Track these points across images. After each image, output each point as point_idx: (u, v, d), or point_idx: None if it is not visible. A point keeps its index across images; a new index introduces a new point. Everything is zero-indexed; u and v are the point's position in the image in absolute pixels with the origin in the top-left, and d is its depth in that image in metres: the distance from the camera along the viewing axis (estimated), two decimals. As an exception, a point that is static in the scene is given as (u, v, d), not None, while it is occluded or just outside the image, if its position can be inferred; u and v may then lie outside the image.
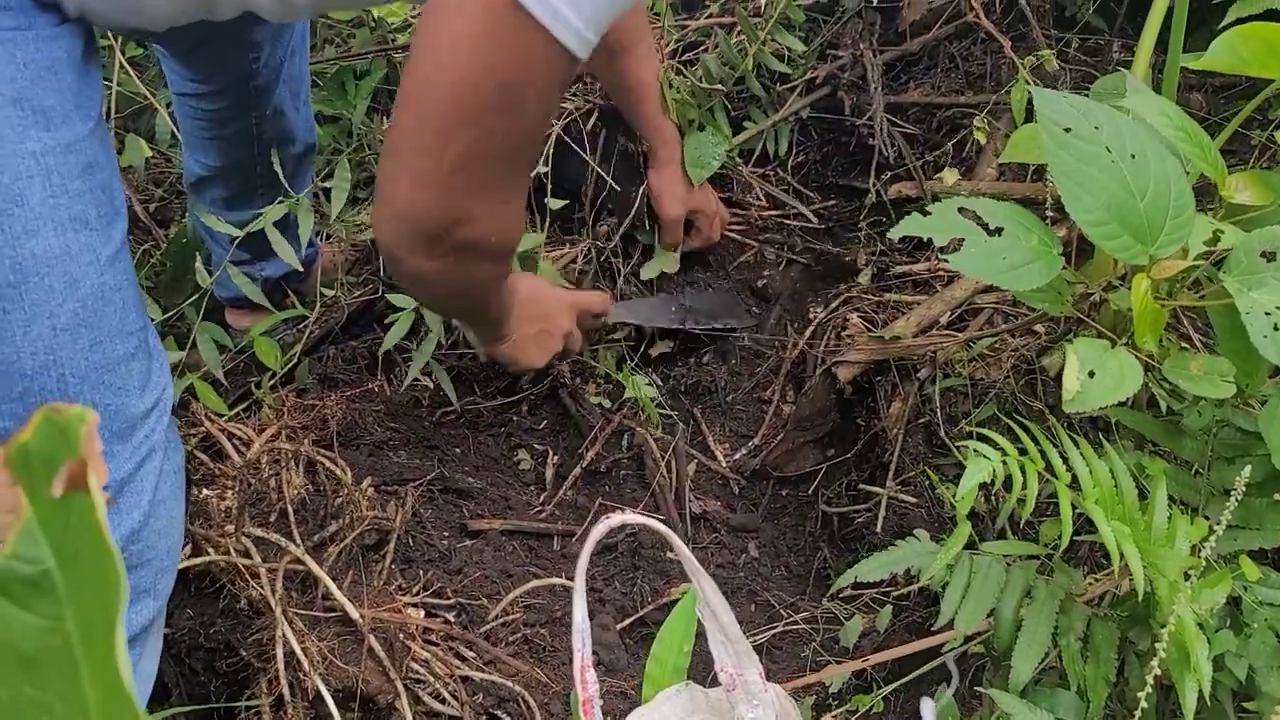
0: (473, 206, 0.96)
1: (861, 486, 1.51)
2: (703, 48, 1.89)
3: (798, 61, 1.87)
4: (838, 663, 1.30)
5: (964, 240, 0.91)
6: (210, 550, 1.06)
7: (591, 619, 1.37)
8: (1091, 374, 0.91)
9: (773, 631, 1.41)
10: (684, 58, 1.87)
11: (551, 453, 1.61)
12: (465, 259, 1.01)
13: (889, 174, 1.77)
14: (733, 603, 1.47)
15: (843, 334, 1.58)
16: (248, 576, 1.04)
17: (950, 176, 1.72)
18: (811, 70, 1.88)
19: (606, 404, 1.62)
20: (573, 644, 0.76)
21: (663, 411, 1.70)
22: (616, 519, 0.77)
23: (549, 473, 1.58)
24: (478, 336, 1.38)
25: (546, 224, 1.64)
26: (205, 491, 1.13)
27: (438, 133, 0.90)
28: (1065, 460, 0.97)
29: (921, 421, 1.47)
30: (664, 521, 1.56)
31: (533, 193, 1.60)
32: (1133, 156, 0.94)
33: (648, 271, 1.74)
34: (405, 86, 0.92)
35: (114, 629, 0.36)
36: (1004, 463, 0.90)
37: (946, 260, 0.90)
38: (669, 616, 1.09)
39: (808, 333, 1.72)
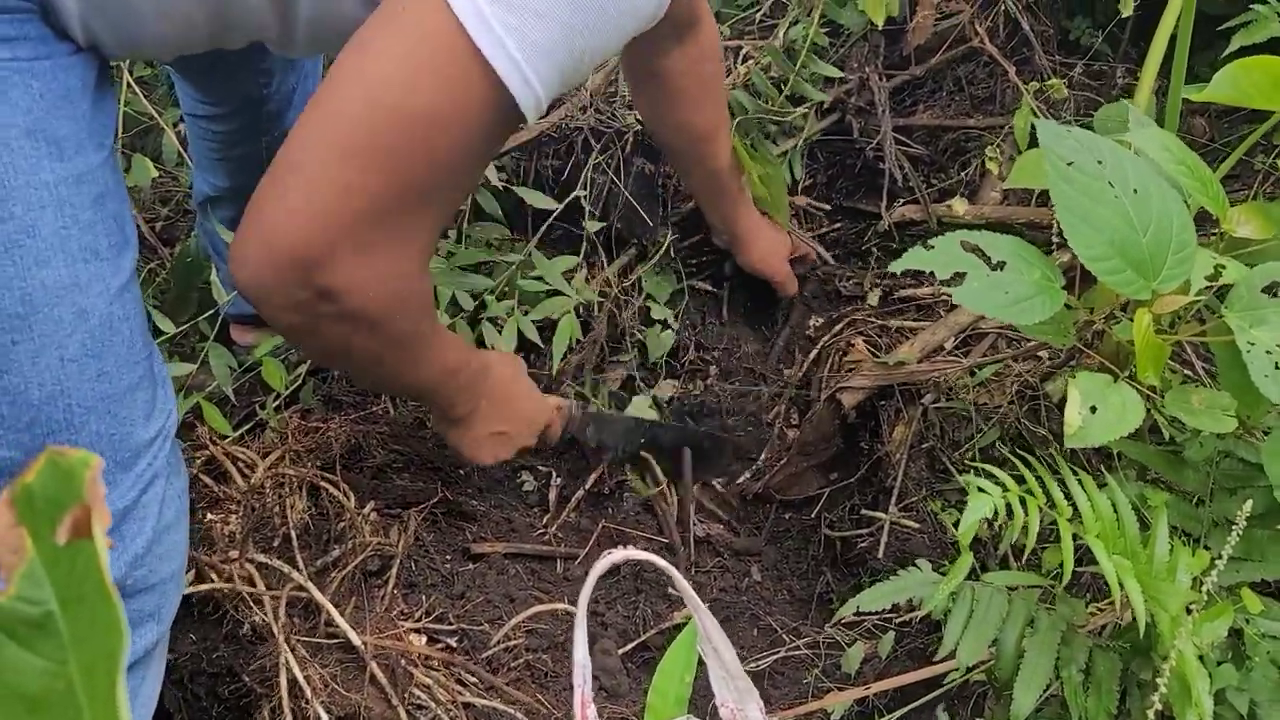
0: (346, 249, 0.84)
1: (864, 511, 1.51)
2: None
3: (805, 85, 1.87)
4: (839, 689, 1.30)
5: (966, 274, 0.92)
6: (214, 576, 1.06)
7: (593, 644, 1.37)
8: (1094, 409, 0.91)
9: (775, 657, 1.41)
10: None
11: (555, 475, 1.61)
12: (329, 318, 0.88)
13: (894, 198, 1.78)
14: (735, 627, 1.47)
15: (844, 359, 1.58)
16: (250, 603, 1.05)
17: (960, 206, 1.72)
18: (820, 93, 1.88)
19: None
20: (574, 680, 0.76)
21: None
22: (619, 555, 0.77)
23: (552, 495, 1.58)
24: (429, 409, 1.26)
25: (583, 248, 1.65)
26: (210, 516, 1.14)
27: (341, 156, 0.81)
28: (1067, 492, 0.97)
29: (925, 446, 1.47)
30: (667, 547, 1.57)
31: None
32: (1135, 191, 0.95)
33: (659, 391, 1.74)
34: (320, 100, 0.83)
35: (115, 674, 0.37)
36: (1004, 498, 0.90)
37: (949, 293, 0.91)
38: (670, 647, 1.09)
39: (811, 355, 1.72)
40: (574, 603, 1.42)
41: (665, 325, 1.72)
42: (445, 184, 0.87)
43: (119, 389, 0.91)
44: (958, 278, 0.92)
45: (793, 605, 1.52)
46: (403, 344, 0.98)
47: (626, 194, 1.70)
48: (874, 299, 1.72)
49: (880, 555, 1.43)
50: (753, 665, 1.40)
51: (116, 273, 0.92)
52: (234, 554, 1.07)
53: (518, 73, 0.80)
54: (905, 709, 1.24)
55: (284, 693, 0.98)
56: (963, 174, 1.81)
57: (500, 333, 1.55)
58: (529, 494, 1.60)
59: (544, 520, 1.55)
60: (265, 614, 1.04)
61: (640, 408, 1.66)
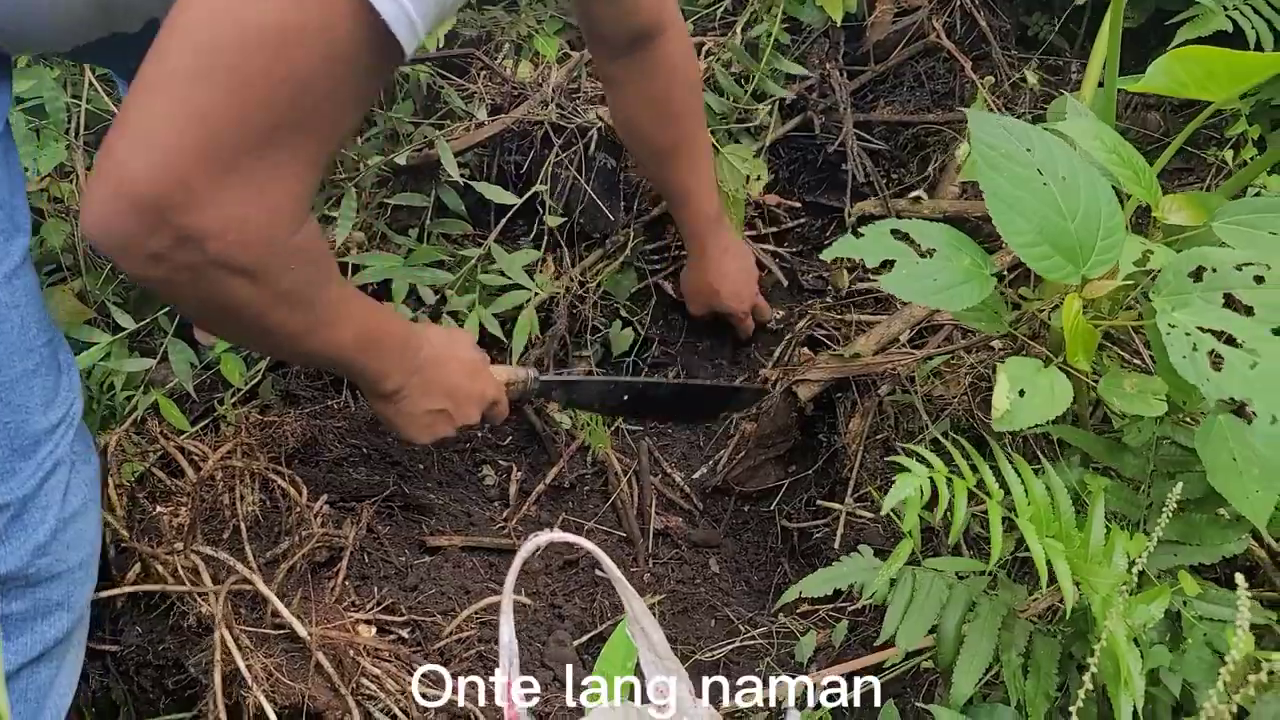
0: (201, 184, 0.75)
1: (821, 502, 1.52)
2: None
3: (767, 82, 1.89)
4: (791, 677, 1.31)
5: (895, 261, 0.93)
6: (159, 568, 1.07)
7: (549, 635, 1.38)
8: (1022, 393, 0.92)
9: (730, 647, 1.42)
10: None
11: (516, 469, 1.62)
12: (194, 269, 0.79)
13: (857, 193, 1.79)
14: (692, 618, 1.48)
15: (791, 356, 1.59)
16: (195, 594, 1.05)
17: (928, 201, 1.74)
18: (781, 89, 1.90)
19: (568, 424, 1.63)
20: (500, 661, 0.77)
21: (629, 427, 1.71)
22: (544, 537, 0.78)
23: (513, 489, 1.59)
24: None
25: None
26: (159, 508, 1.14)
27: (188, 79, 0.73)
28: (1000, 477, 0.98)
29: (879, 438, 1.48)
30: (626, 540, 1.57)
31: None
32: (1064, 179, 0.96)
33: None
34: (167, 22, 0.75)
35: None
36: (931, 477, 0.91)
37: (877, 281, 0.92)
38: (614, 633, 1.11)
39: (775, 352, 1.74)
40: (531, 595, 1.44)
41: (627, 322, 1.73)
42: (311, 111, 0.79)
43: (11, 376, 0.89)
44: (887, 265, 0.93)
45: (750, 596, 1.53)
46: (293, 303, 0.90)
47: (589, 190, 1.71)
48: (836, 291, 1.73)
49: (836, 546, 1.44)
50: (709, 655, 1.41)
51: (4, 259, 0.90)
52: (179, 546, 1.08)
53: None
54: (854, 694, 1.25)
55: (217, 683, 0.98)
56: (923, 169, 1.83)
57: (461, 327, 1.55)
58: (489, 488, 1.60)
59: (504, 514, 1.56)
60: (210, 605, 1.05)
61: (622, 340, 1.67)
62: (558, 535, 0.78)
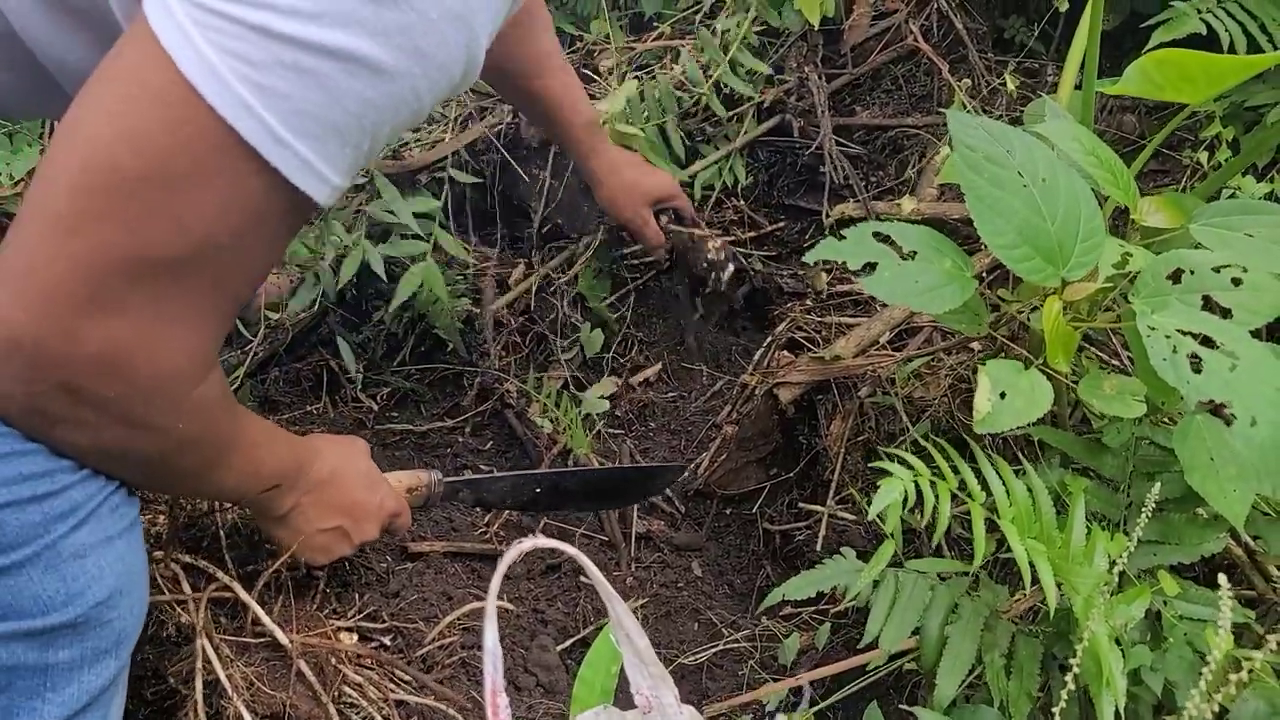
0: (85, 333, 0.70)
1: (803, 505, 1.52)
2: (651, 71, 1.92)
3: (745, 85, 1.89)
4: (775, 680, 1.31)
5: (877, 264, 0.93)
6: (137, 577, 1.05)
7: (532, 640, 1.38)
8: (1003, 395, 0.93)
9: (714, 650, 1.42)
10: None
11: (496, 473, 1.61)
12: (77, 417, 0.74)
13: (835, 196, 1.80)
14: (675, 622, 1.48)
15: (770, 358, 1.60)
16: (174, 603, 1.04)
17: (909, 204, 1.74)
18: (760, 94, 1.90)
19: (549, 427, 1.63)
20: (484, 668, 0.77)
21: (610, 430, 1.71)
22: (527, 544, 0.78)
23: (494, 494, 1.58)
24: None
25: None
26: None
27: (59, 227, 0.69)
28: (982, 479, 0.98)
29: (860, 439, 1.49)
30: (608, 544, 1.57)
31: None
32: (1044, 181, 0.97)
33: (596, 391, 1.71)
34: (40, 166, 0.72)
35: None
36: (915, 481, 0.91)
37: (860, 283, 0.92)
38: (597, 638, 1.10)
39: (756, 356, 1.74)
40: (514, 600, 1.43)
41: (598, 324, 1.73)
42: (205, 262, 0.73)
43: None
44: (869, 268, 0.93)
45: (733, 599, 1.53)
46: (183, 453, 0.84)
47: (560, 188, 1.71)
48: (815, 293, 1.73)
49: (818, 548, 1.44)
50: (692, 659, 1.41)
51: None
52: (159, 554, 1.06)
53: (268, 135, 0.69)
54: (837, 697, 1.25)
55: (198, 693, 0.97)
56: (902, 172, 1.84)
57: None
58: (471, 493, 1.60)
59: (486, 519, 1.55)
60: (190, 614, 1.03)
61: (593, 403, 1.66)
62: (541, 541, 0.77)
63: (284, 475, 0.99)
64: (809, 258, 0.95)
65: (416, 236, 1.53)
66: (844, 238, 0.94)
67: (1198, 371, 0.86)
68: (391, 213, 1.51)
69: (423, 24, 0.69)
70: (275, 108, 0.68)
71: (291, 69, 0.67)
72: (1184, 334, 0.88)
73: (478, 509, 1.56)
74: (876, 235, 0.95)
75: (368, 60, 0.69)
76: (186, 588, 1.06)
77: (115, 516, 0.83)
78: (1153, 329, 0.88)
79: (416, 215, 1.52)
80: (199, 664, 0.97)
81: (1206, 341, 0.88)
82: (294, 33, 0.67)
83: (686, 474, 1.66)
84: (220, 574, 1.07)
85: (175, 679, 1.04)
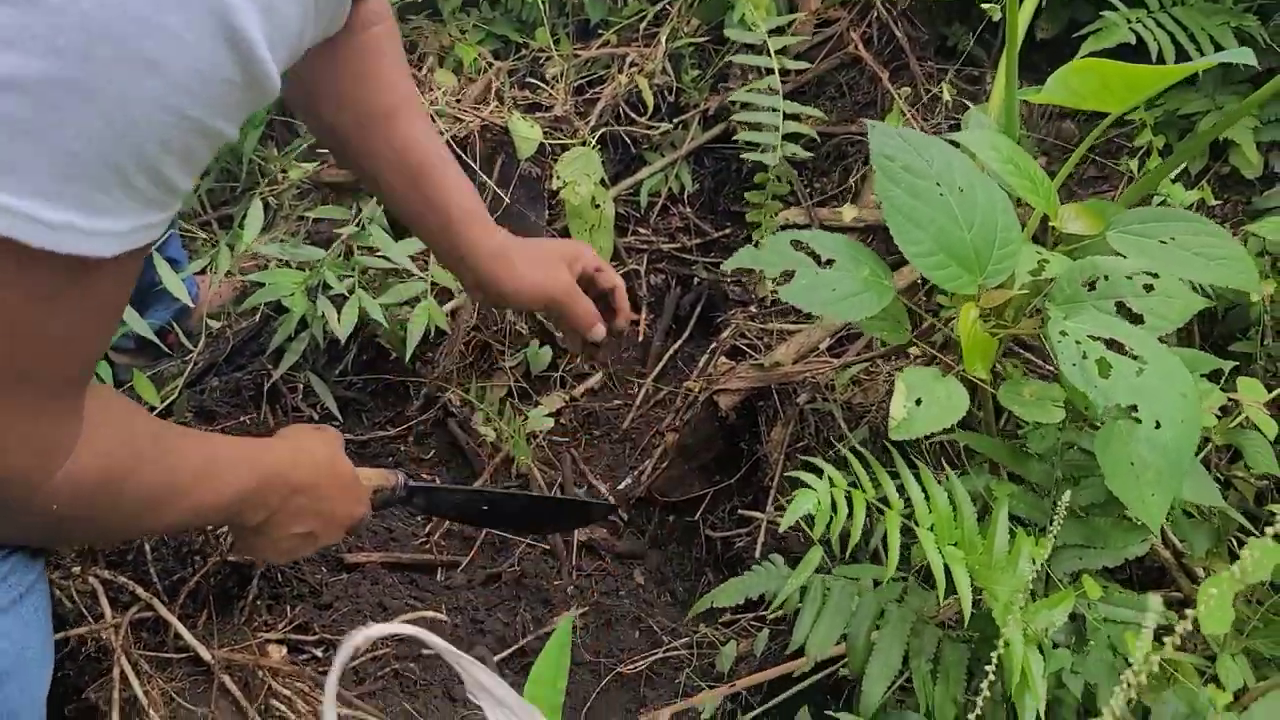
0: None
1: (743, 511, 1.52)
2: (600, 79, 1.92)
3: (691, 92, 1.90)
4: (711, 688, 1.31)
5: (795, 272, 0.93)
6: (54, 592, 1.04)
7: (470, 650, 1.37)
8: (919, 401, 0.93)
9: (654, 658, 1.42)
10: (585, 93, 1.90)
11: (439, 482, 1.60)
12: None
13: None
14: (616, 630, 1.48)
15: (712, 365, 1.60)
16: (93, 619, 1.03)
17: (850, 212, 1.75)
18: (704, 101, 1.91)
19: (493, 436, 1.62)
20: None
21: (554, 439, 1.71)
22: (377, 630, 0.74)
23: (435, 503, 1.57)
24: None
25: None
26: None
27: None
28: (901, 487, 0.99)
29: (800, 445, 1.49)
30: (549, 552, 1.57)
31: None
32: (961, 190, 0.97)
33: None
34: None
35: None
36: (831, 493, 0.92)
37: (777, 292, 0.92)
38: (542, 651, 1.09)
39: (701, 363, 1.75)
40: (452, 610, 1.42)
41: (543, 335, 1.73)
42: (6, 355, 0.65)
43: None
44: (786, 276, 0.93)
45: (675, 607, 1.53)
46: (89, 525, 0.80)
47: (508, 199, 1.71)
48: (764, 290, 1.73)
49: (757, 555, 1.44)
50: (631, 667, 1.41)
51: None
52: (77, 570, 1.05)
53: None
54: (773, 703, 1.25)
55: (115, 711, 0.96)
56: (845, 179, 1.85)
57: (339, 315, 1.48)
58: (412, 503, 1.59)
59: (426, 529, 1.55)
60: (110, 631, 1.02)
61: (538, 420, 1.65)
62: (388, 628, 0.74)
63: (244, 498, 0.93)
64: (727, 266, 0.95)
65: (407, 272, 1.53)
66: (761, 246, 0.94)
67: (1106, 376, 0.87)
68: (386, 258, 1.51)
69: (77, 21, 0.55)
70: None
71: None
72: (1094, 339, 0.89)
73: (419, 517, 1.56)
74: (795, 244, 0.96)
75: (21, 81, 0.56)
76: (106, 607, 1.05)
77: (2, 589, 0.77)
78: (1064, 334, 0.89)
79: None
80: (116, 683, 0.95)
81: (1116, 346, 0.89)
82: None
83: (629, 481, 1.66)
84: (141, 591, 1.06)
85: (96, 696, 1.03)
